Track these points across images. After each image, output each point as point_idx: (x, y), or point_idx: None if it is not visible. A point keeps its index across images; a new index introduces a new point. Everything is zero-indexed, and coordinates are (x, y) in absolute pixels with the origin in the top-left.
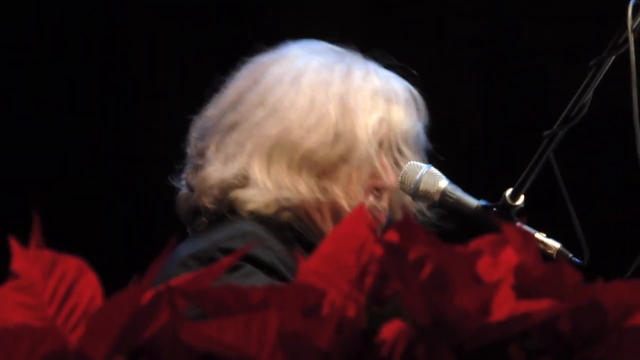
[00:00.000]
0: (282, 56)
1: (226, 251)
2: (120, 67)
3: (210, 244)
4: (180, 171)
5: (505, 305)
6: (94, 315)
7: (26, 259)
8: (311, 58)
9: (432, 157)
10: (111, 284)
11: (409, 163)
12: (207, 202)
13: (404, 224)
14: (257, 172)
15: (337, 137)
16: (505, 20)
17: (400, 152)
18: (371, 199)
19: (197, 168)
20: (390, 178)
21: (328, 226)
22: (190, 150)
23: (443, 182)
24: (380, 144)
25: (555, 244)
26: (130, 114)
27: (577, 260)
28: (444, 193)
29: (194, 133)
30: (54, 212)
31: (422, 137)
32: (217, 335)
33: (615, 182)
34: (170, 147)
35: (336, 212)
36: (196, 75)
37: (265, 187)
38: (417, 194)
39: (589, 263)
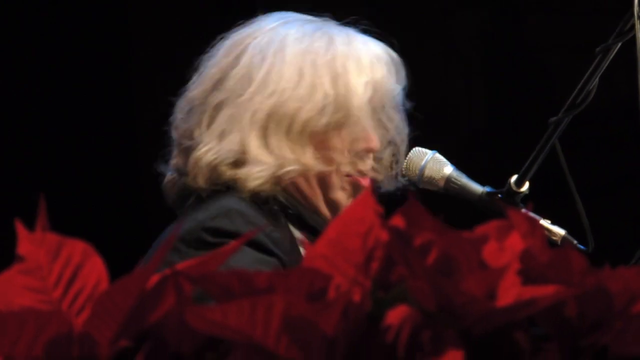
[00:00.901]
0: (258, 29)
1: (211, 230)
2: (122, 60)
3: (195, 223)
4: (165, 157)
5: (511, 291)
6: (99, 299)
7: (32, 243)
8: (289, 28)
9: (435, 143)
10: (117, 268)
11: (413, 149)
12: (202, 181)
13: (410, 209)
14: (255, 146)
15: (331, 104)
16: (510, 10)
17: (384, 113)
18: (363, 161)
19: (186, 150)
20: (375, 140)
21: (315, 194)
22: (175, 133)
23: (448, 169)
24: (368, 107)
25: (560, 231)
26: (131, 104)
27: (581, 247)
28: (448, 179)
29: (178, 115)
30: (60, 196)
31: (401, 99)
32: (223, 320)
33: (621, 170)
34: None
35: (323, 180)
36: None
37: (266, 162)
38: (422, 180)
39: (593, 250)
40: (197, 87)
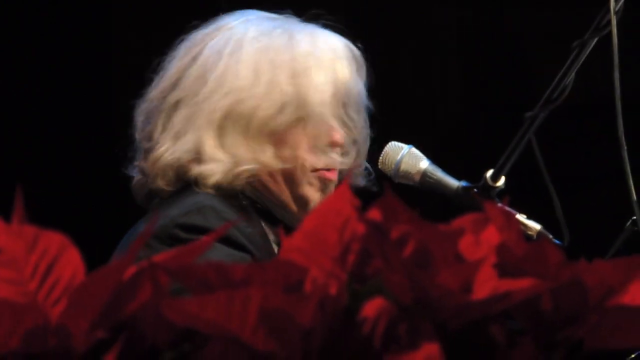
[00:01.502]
0: (217, 29)
1: (184, 226)
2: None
3: (168, 220)
4: (132, 159)
5: (487, 284)
6: (75, 291)
7: (8, 234)
8: (247, 27)
9: (411, 137)
10: (93, 260)
11: (390, 143)
12: (163, 184)
13: (387, 202)
14: (211, 146)
15: (291, 102)
16: (488, 3)
17: (346, 111)
18: (329, 156)
19: (147, 151)
20: (339, 133)
21: (282, 190)
22: (137, 135)
23: (424, 163)
24: (330, 103)
25: (536, 226)
26: (110, 95)
27: (557, 241)
28: (424, 174)
29: (139, 117)
30: (37, 188)
31: (364, 94)
32: (199, 312)
33: (596, 165)
34: None
35: (288, 176)
36: None
37: (221, 160)
38: (398, 174)
39: (569, 245)
40: (155, 88)
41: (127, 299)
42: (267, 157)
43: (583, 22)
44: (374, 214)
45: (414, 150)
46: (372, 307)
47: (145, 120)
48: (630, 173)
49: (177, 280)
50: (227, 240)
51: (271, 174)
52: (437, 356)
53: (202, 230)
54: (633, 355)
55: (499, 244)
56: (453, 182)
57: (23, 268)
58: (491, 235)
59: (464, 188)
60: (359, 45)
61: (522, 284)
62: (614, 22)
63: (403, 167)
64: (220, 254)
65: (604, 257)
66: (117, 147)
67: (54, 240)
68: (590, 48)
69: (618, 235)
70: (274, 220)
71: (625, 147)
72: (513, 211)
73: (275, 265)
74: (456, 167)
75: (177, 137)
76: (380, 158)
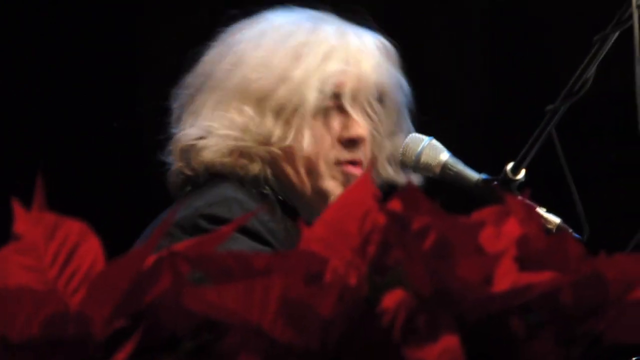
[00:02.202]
0: (254, 21)
1: (207, 217)
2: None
3: (192, 210)
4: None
5: (507, 277)
6: (95, 279)
7: (28, 222)
8: (279, 18)
9: (432, 129)
10: (113, 248)
11: (410, 135)
12: (184, 167)
13: (408, 194)
14: (218, 123)
15: (284, 81)
16: None
17: (370, 104)
18: (341, 150)
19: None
20: (358, 130)
21: (303, 181)
22: (172, 122)
23: (444, 155)
24: (340, 95)
25: (555, 219)
26: (133, 89)
27: (576, 235)
28: (444, 166)
29: (174, 104)
30: (57, 175)
31: (397, 90)
32: (219, 301)
33: (617, 159)
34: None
35: (311, 168)
36: None
37: (224, 135)
38: (419, 166)
39: (588, 239)
40: (190, 76)
41: (147, 287)
42: (269, 129)
43: (607, 12)
44: (395, 204)
45: (435, 142)
46: (391, 299)
47: (178, 106)
48: None
49: (197, 269)
50: (250, 233)
51: (293, 164)
52: (457, 348)
53: (225, 222)
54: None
55: (519, 236)
56: (473, 175)
57: (43, 255)
58: (512, 228)
59: (484, 181)
60: (394, 43)
61: (542, 277)
62: (635, 16)
63: (423, 158)
64: (242, 246)
65: (623, 252)
66: (140, 137)
67: (74, 228)
68: (611, 42)
69: (638, 230)
70: (293, 212)
71: None
72: (533, 204)
73: (295, 255)
74: (477, 159)
75: (194, 120)
76: (401, 150)
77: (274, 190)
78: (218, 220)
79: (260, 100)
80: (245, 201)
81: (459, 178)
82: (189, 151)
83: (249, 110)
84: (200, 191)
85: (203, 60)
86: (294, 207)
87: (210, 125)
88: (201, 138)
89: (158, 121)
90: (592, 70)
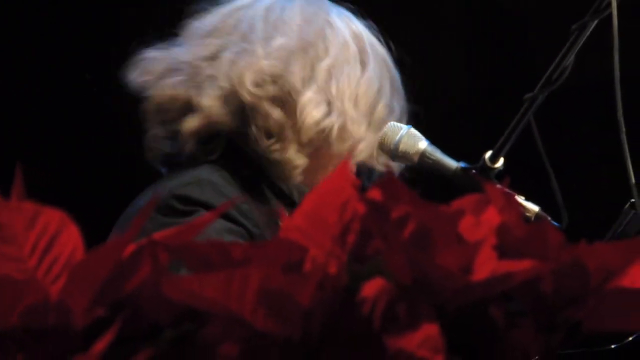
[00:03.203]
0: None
1: (180, 197)
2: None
3: (167, 191)
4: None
5: (487, 265)
6: (75, 268)
7: (8, 211)
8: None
9: (412, 119)
10: (93, 237)
11: (389, 123)
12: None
13: (387, 182)
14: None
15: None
16: None
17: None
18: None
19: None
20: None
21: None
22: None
23: (422, 144)
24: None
25: (534, 207)
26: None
27: (555, 224)
28: (423, 154)
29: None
30: (36, 165)
31: (391, 92)
32: (199, 290)
33: (595, 147)
34: None
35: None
36: None
37: (213, 110)
38: (397, 154)
39: (567, 227)
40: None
41: (127, 276)
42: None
43: (585, 1)
44: (374, 194)
45: (413, 130)
46: (371, 288)
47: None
48: (628, 156)
49: (177, 258)
50: (224, 216)
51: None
52: (437, 337)
53: (198, 203)
54: None
55: (499, 225)
56: (452, 163)
57: (22, 244)
58: (491, 217)
59: (462, 169)
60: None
61: (522, 266)
62: (614, 4)
63: (402, 147)
64: (217, 225)
65: (602, 240)
66: (119, 123)
67: (53, 217)
68: (590, 30)
69: (616, 218)
70: (282, 194)
71: (624, 130)
72: (512, 192)
73: (275, 244)
74: (455, 147)
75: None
76: (379, 138)
77: (261, 172)
78: (190, 201)
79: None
80: (219, 183)
81: (437, 166)
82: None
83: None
84: (179, 171)
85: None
86: (280, 187)
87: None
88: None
89: (133, 108)
90: (571, 58)
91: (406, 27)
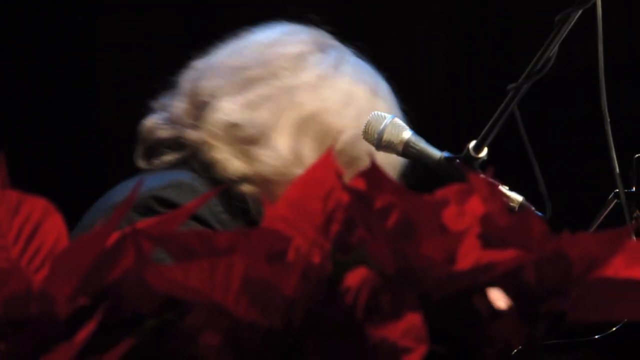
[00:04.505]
0: (286, 37)
1: (159, 200)
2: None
3: (146, 190)
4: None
5: (470, 255)
6: (58, 257)
7: None
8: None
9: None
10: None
11: (373, 113)
12: (208, 136)
13: (371, 172)
14: (284, 137)
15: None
16: None
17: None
18: None
19: (198, 106)
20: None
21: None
22: (182, 87)
23: (407, 133)
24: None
25: (518, 197)
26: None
27: (539, 214)
28: (407, 144)
29: (192, 74)
30: (20, 153)
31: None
32: (182, 279)
33: (579, 137)
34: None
35: None
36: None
37: (282, 153)
38: (381, 144)
39: (550, 217)
40: (228, 55)
41: (110, 265)
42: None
43: None
44: (358, 183)
45: (397, 120)
46: (355, 277)
47: (200, 77)
48: (612, 145)
49: (160, 247)
50: (199, 220)
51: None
52: (420, 326)
53: (174, 206)
54: None
55: (482, 214)
56: (436, 153)
57: (6, 233)
58: (475, 206)
59: (446, 159)
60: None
61: (505, 255)
62: None
63: (386, 136)
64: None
65: (585, 230)
66: (102, 114)
67: (37, 206)
68: (574, 20)
69: (600, 208)
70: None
71: (609, 120)
72: (495, 182)
73: (258, 234)
74: (439, 137)
75: (248, 107)
76: (363, 128)
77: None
78: (168, 204)
79: (328, 139)
80: (199, 190)
81: (421, 156)
82: (225, 130)
83: (316, 140)
84: (161, 171)
85: (246, 47)
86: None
87: (271, 132)
88: (254, 135)
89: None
90: (555, 48)
91: (386, 15)
